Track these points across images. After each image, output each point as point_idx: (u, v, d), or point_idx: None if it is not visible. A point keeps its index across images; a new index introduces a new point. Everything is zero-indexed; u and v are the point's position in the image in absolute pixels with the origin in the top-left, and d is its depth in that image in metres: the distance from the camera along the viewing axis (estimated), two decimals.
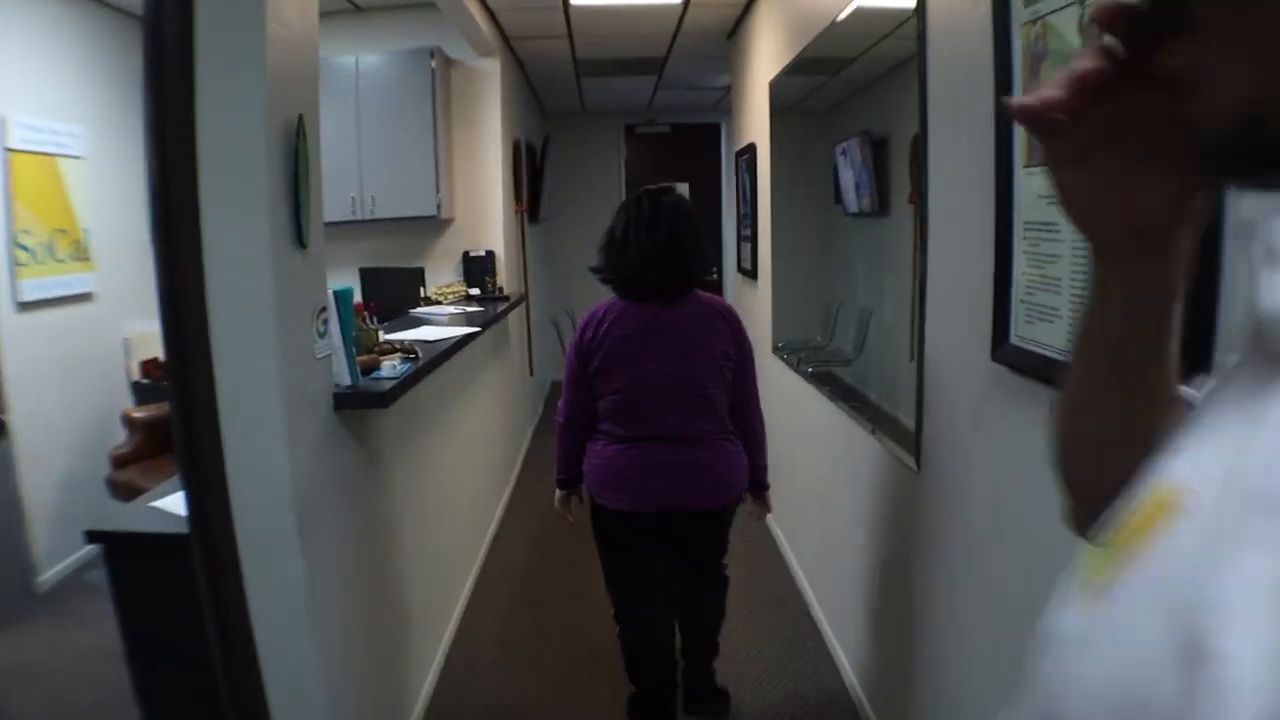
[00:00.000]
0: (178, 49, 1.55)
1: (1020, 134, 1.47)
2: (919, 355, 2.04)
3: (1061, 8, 1.31)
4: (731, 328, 2.37)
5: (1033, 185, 1.43)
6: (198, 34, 1.58)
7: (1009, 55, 1.48)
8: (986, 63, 1.54)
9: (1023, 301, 1.50)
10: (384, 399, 2.07)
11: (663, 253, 2.28)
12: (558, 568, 3.87)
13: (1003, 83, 1.50)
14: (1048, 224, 1.38)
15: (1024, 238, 1.47)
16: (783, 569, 3.77)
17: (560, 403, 2.44)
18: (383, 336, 2.71)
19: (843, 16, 2.59)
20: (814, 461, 3.30)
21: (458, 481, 3.51)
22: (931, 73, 1.93)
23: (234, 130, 1.62)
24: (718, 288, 8.24)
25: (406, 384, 2.25)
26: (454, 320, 3.72)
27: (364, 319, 2.54)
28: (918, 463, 2.08)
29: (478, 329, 3.23)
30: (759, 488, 2.47)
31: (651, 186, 2.39)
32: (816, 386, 3.15)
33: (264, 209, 1.66)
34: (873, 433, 2.47)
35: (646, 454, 2.28)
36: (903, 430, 2.18)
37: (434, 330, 3.15)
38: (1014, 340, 1.54)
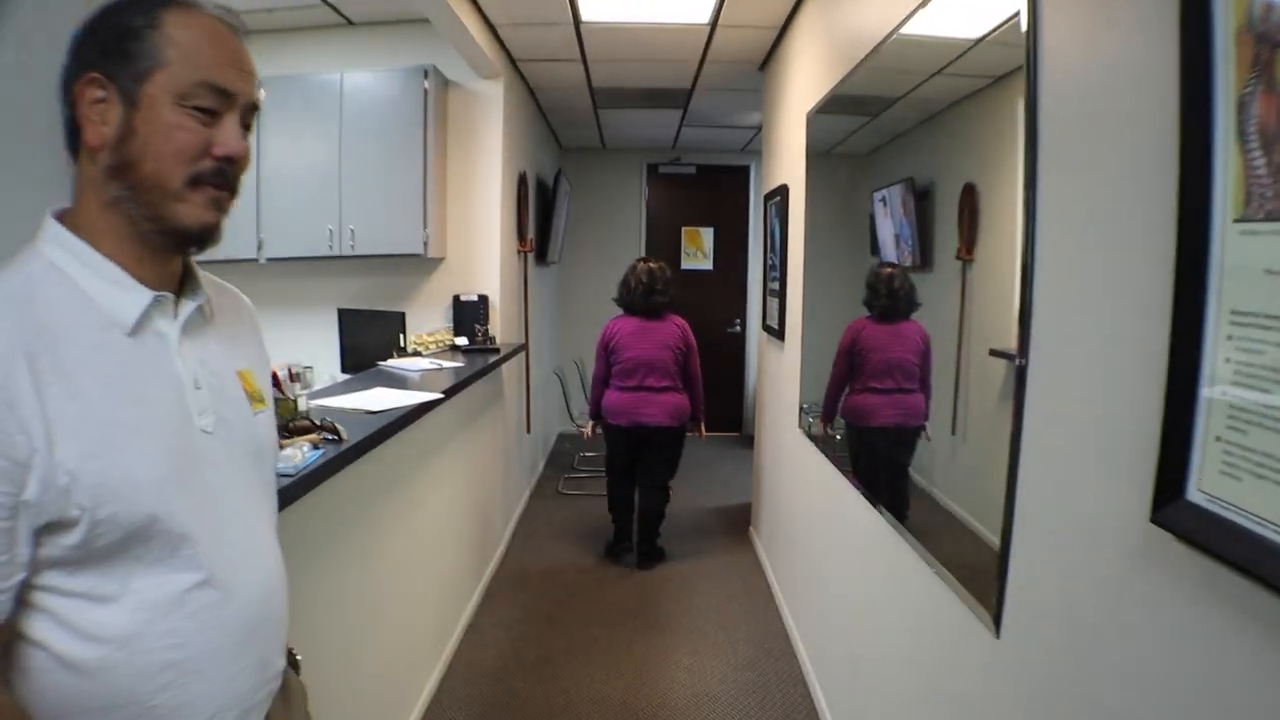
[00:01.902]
0: None
1: (1231, 171, 0.91)
2: (1010, 480, 1.48)
3: None
4: (682, 334, 4.42)
5: (1254, 252, 0.87)
6: None
7: (1206, 45, 0.93)
8: (1162, 67, 0.99)
9: (1219, 439, 0.93)
10: None
11: (647, 293, 4.42)
12: (536, 671, 3.30)
13: (1196, 92, 0.94)
14: None
15: (1229, 337, 0.91)
16: (797, 669, 3.18)
17: (593, 372, 4.56)
18: (308, 405, 2.18)
19: (901, 33, 2.13)
20: (845, 574, 2.77)
21: (417, 570, 2.98)
22: (1047, 89, 1.38)
23: None
24: (740, 346, 7.81)
25: (311, 480, 1.70)
26: (425, 379, 3.21)
27: (280, 386, 2.00)
28: (997, 625, 1.52)
29: (438, 396, 2.69)
30: (696, 422, 4.53)
31: (643, 258, 4.58)
32: (853, 482, 2.64)
33: None
34: (936, 572, 1.91)
35: (635, 396, 4.37)
36: (957, 536, 1.81)
37: (386, 396, 2.61)
38: (1195, 497, 0.97)
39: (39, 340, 0.88)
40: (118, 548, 0.91)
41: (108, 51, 0.93)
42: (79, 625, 0.91)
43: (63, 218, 0.97)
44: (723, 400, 7.70)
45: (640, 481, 4.52)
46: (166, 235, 0.96)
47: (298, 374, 4.13)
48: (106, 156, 0.93)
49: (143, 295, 0.96)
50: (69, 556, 0.90)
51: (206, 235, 0.98)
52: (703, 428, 4.63)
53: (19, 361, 0.86)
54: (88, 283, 0.94)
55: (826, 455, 3.05)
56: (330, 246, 4.16)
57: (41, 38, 1.27)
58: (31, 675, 0.91)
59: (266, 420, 1.15)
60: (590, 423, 4.71)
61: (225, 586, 1.00)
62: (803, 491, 3.52)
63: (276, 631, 1.10)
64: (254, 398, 1.12)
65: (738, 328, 7.97)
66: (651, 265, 4.48)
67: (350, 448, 1.97)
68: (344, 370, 4.20)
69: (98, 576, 0.91)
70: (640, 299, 4.41)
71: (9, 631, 0.90)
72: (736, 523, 5.27)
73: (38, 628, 0.91)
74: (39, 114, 1.07)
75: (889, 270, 2.44)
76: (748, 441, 6.85)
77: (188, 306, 1.03)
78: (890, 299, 2.47)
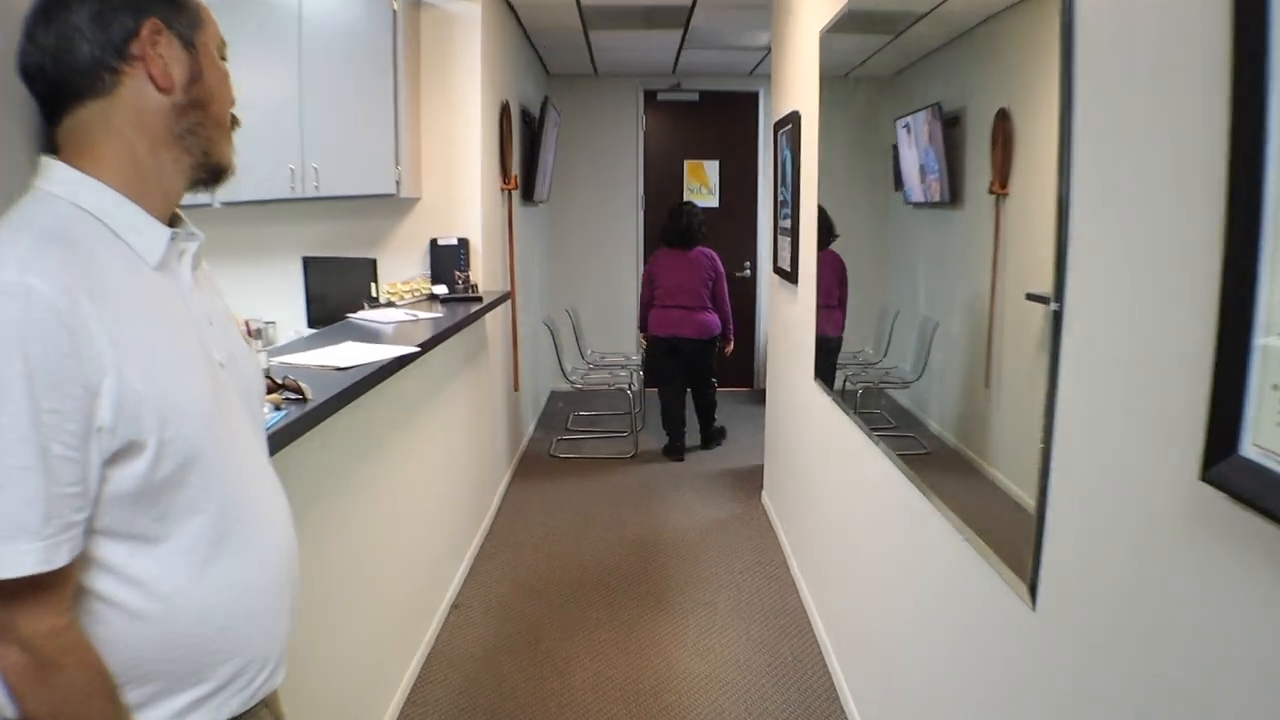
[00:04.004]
0: None
1: None
2: (1045, 437, 1.48)
3: None
4: (712, 263, 5.95)
5: None
6: None
7: None
8: None
9: (1277, 388, 0.93)
10: None
11: (683, 229, 5.94)
12: (527, 652, 3.35)
13: None
14: None
15: None
16: (814, 647, 3.23)
17: (641, 296, 6.15)
18: (269, 362, 2.19)
19: None
20: (866, 542, 2.81)
21: (395, 542, 3.01)
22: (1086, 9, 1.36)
23: None
24: (751, 291, 7.81)
25: (273, 443, 1.71)
26: (400, 332, 3.22)
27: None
28: (1033, 597, 1.54)
29: (414, 350, 2.70)
30: (725, 338, 6.05)
31: (682, 202, 6.28)
32: (873, 439, 2.71)
33: None
34: (966, 541, 1.92)
35: (672, 313, 5.90)
36: (989, 499, 1.82)
37: (356, 351, 2.62)
38: (1249, 452, 0.97)
39: (89, 272, 0.99)
40: (173, 481, 1.04)
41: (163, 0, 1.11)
42: (134, 574, 1.03)
43: (69, 163, 1.08)
44: (733, 351, 7.72)
45: (692, 382, 6.12)
46: (210, 170, 1.17)
47: (258, 330, 4.16)
48: (180, 96, 1.11)
49: (163, 231, 1.11)
50: (131, 490, 1.01)
51: (232, 172, 1.21)
52: (729, 344, 6.14)
53: (80, 290, 0.96)
54: (113, 221, 1.06)
55: (844, 409, 3.06)
56: (292, 188, 4.12)
57: None
58: (93, 624, 1.02)
59: (258, 362, 1.32)
60: (640, 335, 6.35)
61: (260, 525, 1.15)
62: (818, 450, 3.54)
63: (297, 577, 1.25)
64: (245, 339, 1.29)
65: (747, 270, 7.96)
66: (684, 205, 6.12)
67: (316, 408, 1.98)
68: (310, 324, 4.21)
69: (152, 518, 1.04)
70: (677, 233, 5.94)
71: (80, 570, 1.01)
72: (747, 486, 5.32)
73: (95, 577, 1.02)
74: None
75: None
76: (759, 397, 6.86)
77: (192, 244, 1.18)
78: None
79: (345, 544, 2.51)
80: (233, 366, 1.19)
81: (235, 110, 1.23)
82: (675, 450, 6.08)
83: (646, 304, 6.05)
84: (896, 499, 2.46)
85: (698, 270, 5.91)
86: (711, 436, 6.27)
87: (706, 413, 6.23)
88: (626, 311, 7.92)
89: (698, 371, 6.05)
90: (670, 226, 6.00)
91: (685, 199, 7.03)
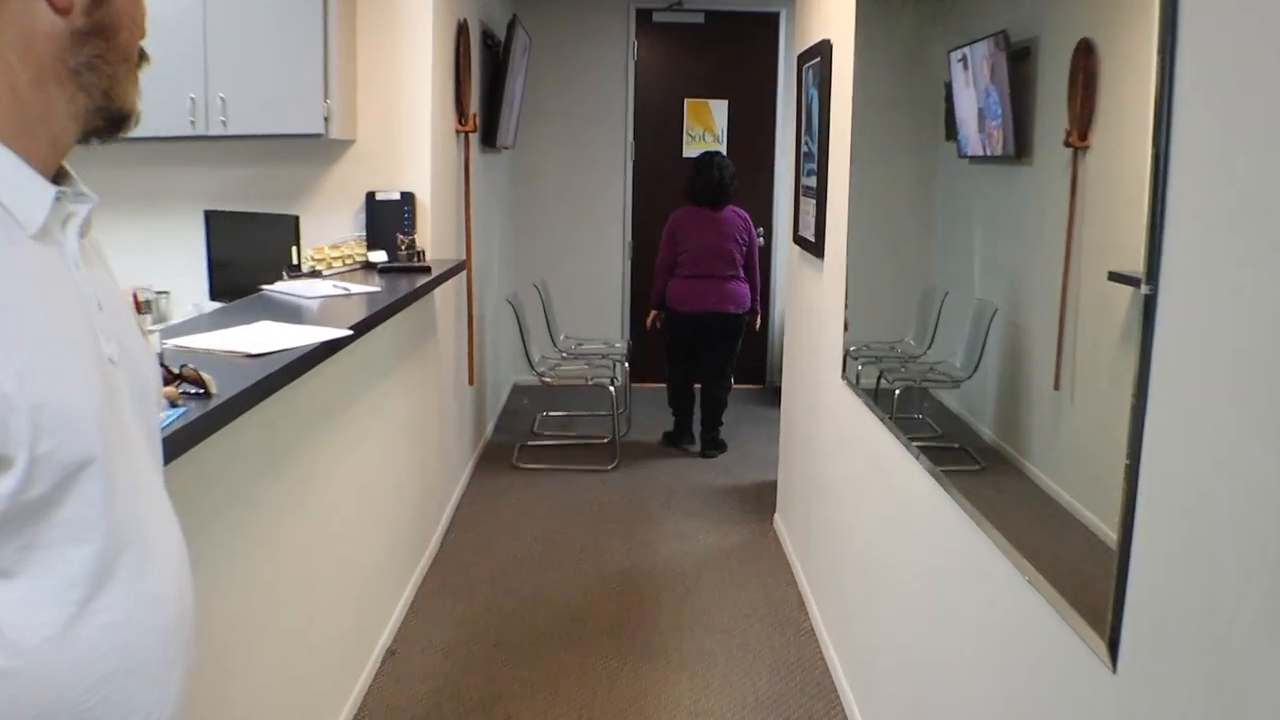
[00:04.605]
0: None
1: None
2: (1132, 452, 1.49)
3: None
4: (745, 224, 6.35)
5: None
6: None
7: None
8: None
9: None
10: None
11: (714, 183, 6.23)
12: (481, 713, 3.38)
13: None
14: None
15: None
16: (838, 709, 3.26)
17: (657, 262, 6.39)
18: (161, 345, 2.19)
19: None
20: (904, 581, 2.85)
21: (319, 572, 3.04)
22: None
23: None
24: (765, 263, 7.83)
25: (168, 449, 1.70)
26: (327, 309, 3.26)
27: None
28: (1113, 655, 1.57)
29: (345, 334, 2.72)
30: (753, 313, 6.39)
31: (712, 152, 6.50)
32: (914, 452, 2.77)
33: None
34: (1029, 582, 1.94)
35: (701, 283, 6.18)
36: (1059, 529, 1.85)
37: (272, 333, 2.63)
38: None
39: None
40: (47, 504, 1.00)
41: None
42: None
43: None
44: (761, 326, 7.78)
45: (705, 371, 6.39)
46: (109, 116, 1.14)
47: (148, 301, 4.15)
48: (80, 19, 1.07)
49: (47, 189, 1.07)
50: None
51: (136, 120, 1.18)
52: (757, 318, 6.50)
53: None
54: None
55: (878, 414, 3.09)
56: (192, 123, 4.16)
57: None
58: None
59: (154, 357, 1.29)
60: (654, 312, 6.48)
61: (152, 555, 1.13)
62: (846, 465, 3.57)
63: (193, 617, 1.23)
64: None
65: (760, 238, 7.98)
66: (715, 156, 6.41)
67: (222, 405, 1.99)
68: (213, 297, 4.22)
69: (14, 549, 0.99)
70: (709, 189, 6.25)
71: None
72: (756, 507, 5.35)
73: None
74: None
75: None
76: (774, 397, 6.90)
77: (82, 207, 1.15)
78: None
79: (254, 575, 2.52)
80: (126, 362, 1.16)
81: (145, 44, 1.20)
82: (680, 437, 6.49)
83: (666, 269, 6.31)
84: (941, 527, 2.48)
85: (731, 231, 6.24)
86: (714, 443, 6.45)
87: (714, 412, 6.46)
88: (609, 287, 7.96)
89: (716, 355, 6.34)
90: (698, 181, 6.25)
91: (707, 151, 6.98)
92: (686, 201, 6.32)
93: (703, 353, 6.34)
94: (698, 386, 6.53)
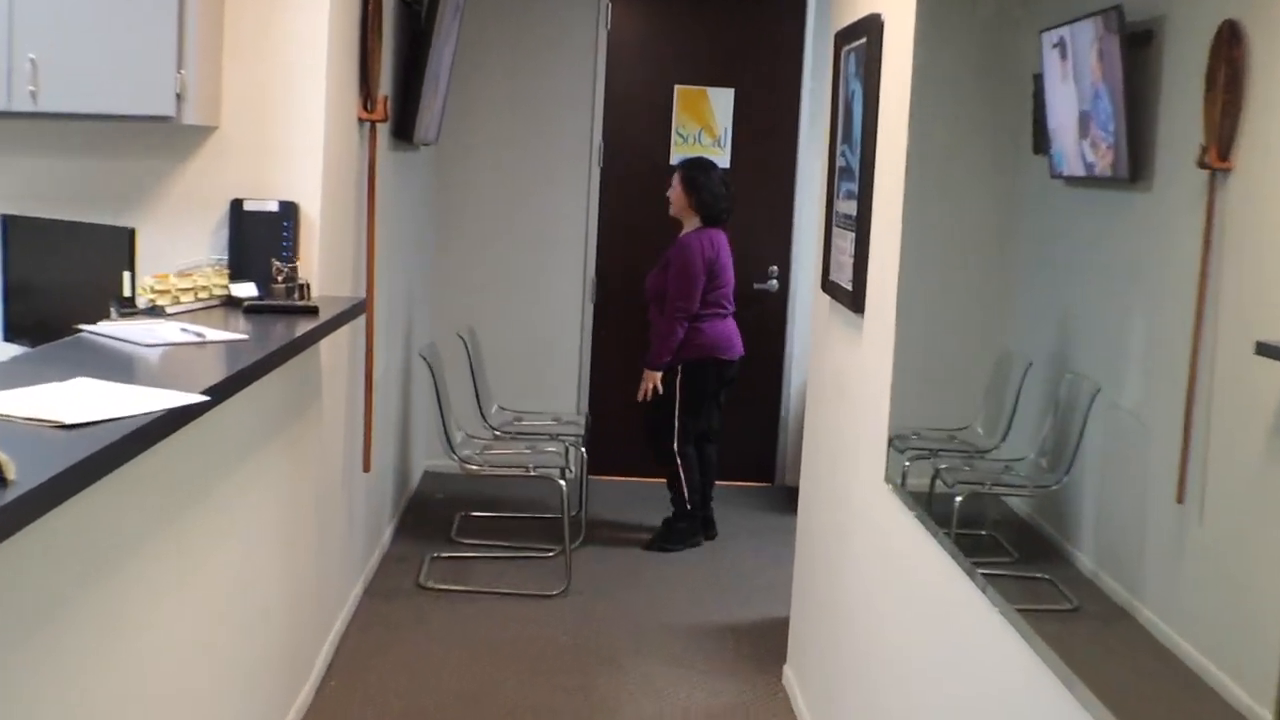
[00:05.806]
0: None
1: None
2: None
3: None
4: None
5: None
6: None
7: None
8: None
9: None
10: None
11: (729, 197, 7.10)
12: None
13: None
14: None
15: None
16: None
17: (682, 304, 6.72)
18: None
19: None
20: None
21: None
22: None
23: None
24: (779, 315, 7.90)
25: None
26: (171, 362, 3.28)
27: None
28: None
29: (196, 399, 2.72)
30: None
31: (699, 158, 7.30)
32: (981, 585, 2.76)
33: None
34: None
35: (732, 324, 7.10)
36: (1184, 697, 1.87)
37: (95, 395, 2.64)
38: None
39: None
40: None
41: None
42: None
43: None
44: (742, 418, 7.87)
45: (713, 430, 7.13)
46: None
47: None
48: None
49: None
50: None
51: None
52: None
53: None
54: None
55: (933, 531, 3.10)
56: None
57: None
58: None
59: None
60: (657, 374, 6.83)
61: None
62: (888, 599, 3.58)
63: None
64: None
65: (773, 282, 8.05)
66: (710, 165, 7.10)
67: (22, 498, 1.98)
68: (8, 337, 4.21)
69: None
70: (727, 206, 6.96)
71: None
72: (759, 653, 5.37)
73: None
74: None
75: None
76: (786, 500, 6.90)
77: None
78: None
79: None
80: None
81: None
82: (703, 528, 7.13)
83: (693, 312, 6.85)
84: (1020, 691, 2.50)
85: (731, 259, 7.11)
86: (712, 523, 7.24)
87: (713, 477, 7.30)
88: (563, 341, 8.02)
89: (720, 409, 7.26)
90: (721, 196, 6.97)
91: (692, 157, 7.50)
92: (700, 221, 6.90)
93: (713, 409, 7.11)
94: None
